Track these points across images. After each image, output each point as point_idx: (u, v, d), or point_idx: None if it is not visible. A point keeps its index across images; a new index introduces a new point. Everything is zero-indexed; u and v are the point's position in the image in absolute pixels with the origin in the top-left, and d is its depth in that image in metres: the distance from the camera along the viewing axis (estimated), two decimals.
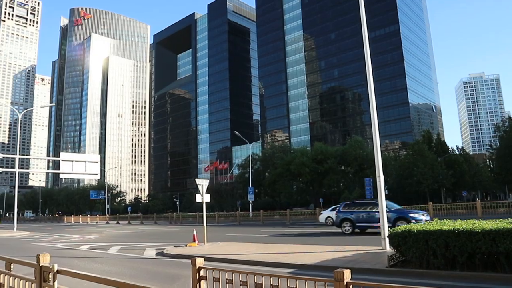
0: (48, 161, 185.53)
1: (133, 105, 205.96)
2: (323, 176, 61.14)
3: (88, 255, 15.56)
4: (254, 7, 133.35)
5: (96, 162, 31.33)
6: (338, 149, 64.22)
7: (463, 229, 8.30)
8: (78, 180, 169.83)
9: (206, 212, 19.01)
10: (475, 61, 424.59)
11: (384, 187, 14.38)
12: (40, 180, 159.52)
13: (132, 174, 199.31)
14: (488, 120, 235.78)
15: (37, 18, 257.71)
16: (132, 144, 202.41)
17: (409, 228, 9.21)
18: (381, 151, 61.77)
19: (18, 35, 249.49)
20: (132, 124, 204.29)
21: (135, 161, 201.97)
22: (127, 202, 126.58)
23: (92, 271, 10.58)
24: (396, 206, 19.52)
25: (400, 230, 9.32)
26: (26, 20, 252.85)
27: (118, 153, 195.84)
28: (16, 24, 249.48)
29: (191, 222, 49.42)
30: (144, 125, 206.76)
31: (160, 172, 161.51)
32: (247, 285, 4.33)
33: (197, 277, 4.66)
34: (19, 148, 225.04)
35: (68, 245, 20.50)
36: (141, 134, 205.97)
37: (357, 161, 59.69)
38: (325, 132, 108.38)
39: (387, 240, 11.79)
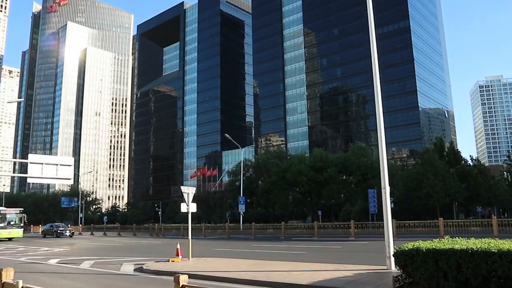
0: (15, 163, 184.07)
1: (112, 103, 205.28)
2: (322, 186, 61.18)
3: (57, 270, 15.39)
4: None
5: (69, 165, 31.03)
6: (340, 157, 64.34)
7: (477, 249, 8.28)
8: (48, 185, 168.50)
9: (191, 223, 18.94)
10: (492, 63, 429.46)
11: (390, 199, 14.42)
12: (4, 185, 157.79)
13: (109, 179, 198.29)
14: (506, 128, 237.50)
15: (5, 3, 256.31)
16: (111, 146, 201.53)
17: (417, 246, 9.20)
18: (387, 159, 61.90)
19: None
20: (111, 124, 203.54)
21: (113, 165, 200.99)
22: (103, 211, 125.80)
23: None
24: None
25: (407, 248, 9.31)
26: None
27: (94, 156, 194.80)
28: None
29: (174, 234, 49.20)
30: (125, 125, 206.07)
31: (141, 178, 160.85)
32: None
33: None
34: None
35: (35, 258, 20.26)
36: (121, 135, 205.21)
37: (360, 170, 59.83)
38: (325, 137, 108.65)
39: (392, 259, 11.79)
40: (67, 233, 49.62)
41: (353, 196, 62.40)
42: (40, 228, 69.60)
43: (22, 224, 41.49)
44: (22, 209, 43.76)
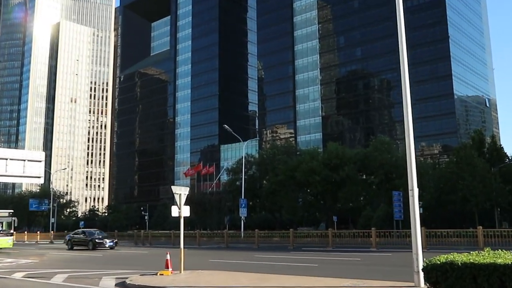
0: None
1: (91, 88, 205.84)
2: (338, 187, 61.21)
3: (24, 285, 15.44)
4: None
5: (40, 161, 31.14)
6: (359, 153, 64.23)
7: None
8: (14, 184, 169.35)
9: (184, 230, 18.99)
10: None
11: (419, 203, 14.39)
12: None
13: (87, 178, 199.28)
14: None
15: None
16: (89, 139, 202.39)
17: (452, 260, 9.17)
18: (416, 156, 61.71)
19: None
20: (90, 112, 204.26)
21: (92, 161, 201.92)
22: (79, 215, 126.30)
23: None
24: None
25: (439, 262, 9.28)
26: None
27: (69, 150, 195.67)
28: None
29: (164, 243, 49.38)
30: (105, 114, 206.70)
31: (124, 177, 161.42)
32: None
33: None
34: None
35: None
36: (101, 126, 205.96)
37: (383, 169, 59.75)
38: (342, 130, 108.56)
39: (421, 274, 11.76)
40: (109, 243, 39.80)
41: (375, 199, 62.35)
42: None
43: (11, 231, 37.23)
44: (12, 211, 39.17)
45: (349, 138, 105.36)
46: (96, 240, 39.96)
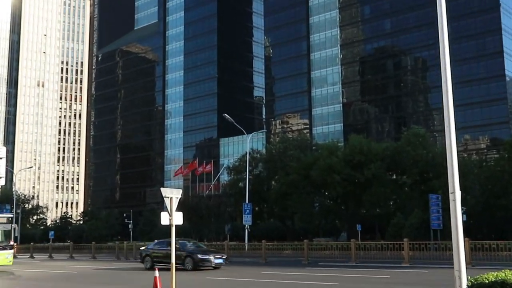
0: None
1: (62, 69, 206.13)
2: (362, 188, 61.11)
3: None
4: None
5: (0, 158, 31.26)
6: (388, 147, 64.02)
7: None
8: None
9: (177, 241, 19.04)
10: None
11: (462, 209, 14.38)
12: None
13: (58, 178, 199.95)
14: None
15: None
16: (60, 131, 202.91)
17: (503, 279, 9.13)
18: (458, 152, 61.32)
19: None
20: (61, 99, 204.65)
21: (63, 158, 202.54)
22: (48, 224, 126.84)
23: None
24: None
25: (487, 281, 9.26)
26: None
27: (36, 145, 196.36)
28: None
29: None
30: (80, 101, 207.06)
31: (103, 177, 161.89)
32: None
33: None
34: None
35: None
36: (75, 116, 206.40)
37: (418, 167, 59.58)
38: (367, 120, 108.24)
39: None
40: (215, 260, 31.73)
41: (407, 204, 62.16)
42: None
43: (11, 242, 33.91)
44: (12, 215, 37.00)
45: (375, 130, 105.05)
46: (199, 257, 31.35)
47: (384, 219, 66.20)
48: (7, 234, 34.15)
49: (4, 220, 34.71)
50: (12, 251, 34.20)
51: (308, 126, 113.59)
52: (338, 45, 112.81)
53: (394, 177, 64.65)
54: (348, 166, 59.97)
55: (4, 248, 32.94)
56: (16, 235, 36.62)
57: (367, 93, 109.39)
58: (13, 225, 34.84)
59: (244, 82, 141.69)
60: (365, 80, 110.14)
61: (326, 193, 66.54)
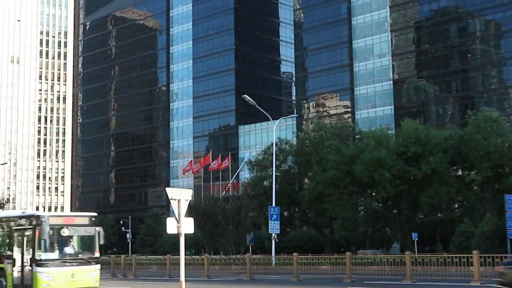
0: None
1: (41, 41, 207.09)
2: (419, 187, 60.65)
3: None
4: None
5: None
6: (452, 135, 63.36)
7: None
8: None
9: (186, 253, 19.11)
10: None
11: None
12: None
13: (39, 177, 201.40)
14: None
15: None
16: (40, 119, 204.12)
17: None
18: None
19: None
20: (41, 78, 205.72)
21: (45, 151, 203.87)
22: None
23: None
24: None
25: None
26: None
27: (10, 136, 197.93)
28: None
29: (155, 273, 49.58)
30: (64, 81, 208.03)
31: (94, 175, 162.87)
32: None
33: None
34: None
35: None
36: (58, 99, 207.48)
37: (490, 160, 58.82)
38: (424, 101, 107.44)
39: None
40: None
41: (477, 207, 61.66)
42: None
43: (96, 253, 29.78)
44: (96, 214, 31.75)
45: (435, 114, 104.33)
46: None
47: (447, 226, 65.80)
48: (89, 242, 29.75)
49: (86, 221, 30.10)
50: (98, 266, 29.67)
51: (349, 110, 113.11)
52: (387, 7, 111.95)
53: (460, 173, 64.06)
54: (401, 159, 59.54)
55: (87, 263, 28.82)
56: (101, 242, 29.63)
57: (424, 67, 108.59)
58: (97, 228, 29.55)
59: (268, 55, 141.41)
60: (421, 50, 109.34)
61: (374, 194, 66.18)
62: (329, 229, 74.40)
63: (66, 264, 27.94)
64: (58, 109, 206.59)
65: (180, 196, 17.94)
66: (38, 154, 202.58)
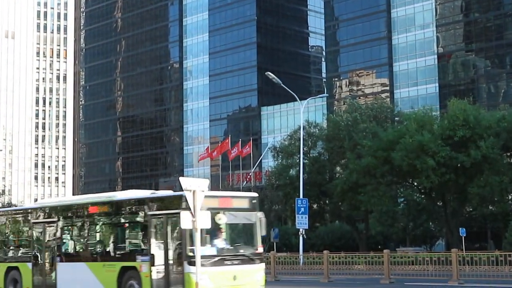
0: None
1: (39, 13, 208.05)
2: (468, 177, 60.37)
3: None
4: None
5: None
6: (505, 117, 62.90)
7: None
8: None
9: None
10: None
11: None
12: None
13: (37, 166, 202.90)
14: None
15: None
16: (38, 101, 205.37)
17: None
18: None
19: None
20: (38, 55, 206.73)
21: (43, 137, 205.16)
22: None
23: None
24: None
25: None
26: None
27: (5, 121, 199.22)
28: None
29: None
30: (65, 58, 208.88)
31: (99, 164, 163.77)
32: None
33: None
34: None
35: None
36: (58, 78, 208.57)
37: None
38: (474, 78, 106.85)
39: None
40: None
41: None
42: None
43: (260, 249, 26.20)
44: (257, 194, 27.55)
45: (486, 92, 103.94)
46: None
47: (499, 221, 65.51)
48: (250, 233, 26.02)
49: (245, 204, 26.13)
50: (263, 266, 26.09)
51: (387, 88, 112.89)
52: None
53: None
54: (447, 144, 59.15)
55: (250, 261, 24.97)
56: (263, 233, 25.72)
57: (473, 39, 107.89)
58: (258, 214, 25.85)
59: (295, 27, 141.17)
60: (470, 20, 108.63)
61: (415, 184, 65.95)
62: (365, 224, 74.53)
63: (226, 262, 23.82)
64: (58, 89, 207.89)
65: (195, 187, 18.00)
66: (36, 141, 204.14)
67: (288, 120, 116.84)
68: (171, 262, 23.03)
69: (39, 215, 30.94)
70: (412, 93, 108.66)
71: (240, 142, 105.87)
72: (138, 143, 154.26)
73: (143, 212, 25.20)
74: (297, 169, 66.68)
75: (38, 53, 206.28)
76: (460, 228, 63.89)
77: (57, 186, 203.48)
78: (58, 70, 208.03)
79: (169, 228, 23.57)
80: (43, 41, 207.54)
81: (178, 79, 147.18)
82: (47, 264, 29.32)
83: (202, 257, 21.17)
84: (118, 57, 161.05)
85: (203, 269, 21.24)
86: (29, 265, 29.81)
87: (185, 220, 18.01)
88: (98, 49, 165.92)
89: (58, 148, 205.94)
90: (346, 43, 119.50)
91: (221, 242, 23.62)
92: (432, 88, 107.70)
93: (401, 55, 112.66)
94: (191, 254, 21.51)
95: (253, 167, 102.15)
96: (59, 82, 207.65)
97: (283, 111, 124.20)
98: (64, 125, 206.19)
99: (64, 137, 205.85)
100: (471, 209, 66.99)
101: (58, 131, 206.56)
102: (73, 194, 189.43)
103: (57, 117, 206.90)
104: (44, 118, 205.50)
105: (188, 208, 20.82)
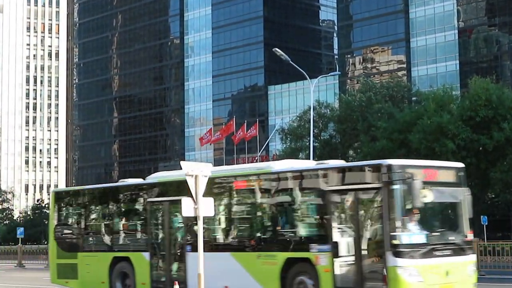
0: None
1: None
2: (490, 161, 60.47)
3: None
4: None
5: None
6: None
7: None
8: None
9: (205, 243, 19.11)
10: None
11: None
12: None
13: (27, 149, 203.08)
14: None
15: None
16: (28, 79, 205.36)
17: None
18: None
19: None
20: (28, 30, 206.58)
21: (34, 119, 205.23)
22: (15, 217, 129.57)
23: None
24: None
25: None
26: None
27: None
28: None
29: None
30: (57, 33, 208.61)
31: (94, 147, 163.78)
32: None
33: None
34: None
35: None
36: (50, 55, 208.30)
37: None
38: (496, 54, 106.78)
39: None
40: None
41: None
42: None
43: (470, 235, 23.18)
44: (463, 165, 25.17)
45: (510, 70, 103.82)
46: None
47: None
48: (458, 214, 22.26)
49: (451, 177, 22.75)
50: (474, 257, 22.61)
51: (404, 66, 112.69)
52: None
53: None
54: (468, 126, 59.29)
55: (461, 251, 21.50)
56: (470, 214, 22.35)
57: (496, 12, 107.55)
58: (465, 190, 22.55)
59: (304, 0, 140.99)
60: None
61: None
62: None
63: (436, 253, 20.25)
64: (49, 67, 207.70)
65: (197, 171, 17.94)
66: (27, 122, 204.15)
67: (297, 100, 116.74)
68: (365, 252, 19.70)
69: (160, 191, 27.13)
70: (430, 71, 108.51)
71: (245, 123, 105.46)
72: (136, 125, 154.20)
73: (317, 187, 21.88)
74: (307, 153, 66.70)
75: (28, 28, 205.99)
76: (481, 216, 64.00)
77: (49, 171, 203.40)
78: (50, 46, 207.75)
79: (361, 208, 20.38)
80: (33, 15, 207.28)
81: (179, 56, 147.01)
82: (173, 254, 25.72)
83: (410, 246, 18.89)
84: (114, 32, 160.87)
85: (413, 261, 18.79)
86: (146, 255, 26.11)
87: (187, 208, 17.94)
88: (92, 24, 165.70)
89: (50, 131, 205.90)
90: (360, 17, 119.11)
91: (427, 227, 20.14)
92: (452, 66, 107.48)
93: (419, 30, 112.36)
94: (396, 241, 18.65)
95: (259, 151, 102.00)
96: (51, 59, 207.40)
97: (291, 90, 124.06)
98: (57, 105, 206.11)
99: (57, 118, 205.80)
100: (493, 196, 67.07)
101: (50, 112, 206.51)
102: (66, 180, 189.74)
103: (49, 97, 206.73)
104: (35, 98, 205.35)
105: (395, 182, 19.03)
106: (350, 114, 73.09)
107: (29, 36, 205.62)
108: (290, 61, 61.83)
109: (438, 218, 22.40)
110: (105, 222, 28.53)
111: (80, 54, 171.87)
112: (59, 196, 31.46)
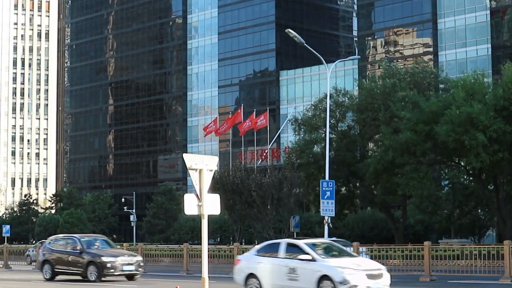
0: None
1: None
2: None
3: None
4: None
5: None
6: None
7: None
8: None
9: (209, 242, 19.35)
10: None
11: None
12: None
13: (14, 140, 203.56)
14: None
15: None
16: (16, 62, 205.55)
17: None
18: None
19: None
20: (16, 7, 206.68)
21: (22, 106, 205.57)
22: (1, 214, 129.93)
23: None
24: None
25: None
26: None
27: None
28: None
29: (168, 267, 50.50)
30: (48, 11, 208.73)
31: (87, 137, 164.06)
32: None
33: None
34: None
35: None
36: (39, 35, 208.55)
37: None
38: None
39: None
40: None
41: None
42: None
43: None
44: None
45: None
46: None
47: None
48: None
49: None
50: None
51: (430, 50, 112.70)
52: None
53: None
54: (501, 117, 59.22)
55: None
56: None
57: None
58: None
59: None
60: None
61: (462, 164, 65.95)
62: (402, 212, 74.53)
63: None
64: (39, 49, 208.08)
65: (202, 165, 18.01)
66: (14, 109, 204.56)
67: (312, 87, 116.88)
68: None
69: None
70: (459, 55, 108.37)
71: (254, 112, 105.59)
72: (133, 113, 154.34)
73: None
74: (323, 146, 66.69)
75: (16, 6, 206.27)
76: None
77: (38, 163, 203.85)
78: (40, 25, 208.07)
79: None
80: None
81: (181, 37, 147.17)
82: None
83: None
84: (110, 11, 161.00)
85: None
86: None
87: (189, 205, 17.96)
88: (86, 1, 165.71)
89: (39, 119, 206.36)
90: None
91: None
92: (483, 50, 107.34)
93: (447, 10, 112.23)
94: None
95: (269, 143, 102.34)
96: (40, 40, 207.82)
97: (306, 76, 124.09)
98: (46, 91, 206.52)
99: (46, 105, 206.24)
100: None
101: (39, 99, 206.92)
102: (56, 173, 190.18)
103: (38, 81, 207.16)
104: (22, 83, 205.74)
105: None
106: (371, 103, 72.74)
107: (17, 14, 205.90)
108: (305, 44, 61.88)
109: None
110: None
111: (72, 34, 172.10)
112: None
